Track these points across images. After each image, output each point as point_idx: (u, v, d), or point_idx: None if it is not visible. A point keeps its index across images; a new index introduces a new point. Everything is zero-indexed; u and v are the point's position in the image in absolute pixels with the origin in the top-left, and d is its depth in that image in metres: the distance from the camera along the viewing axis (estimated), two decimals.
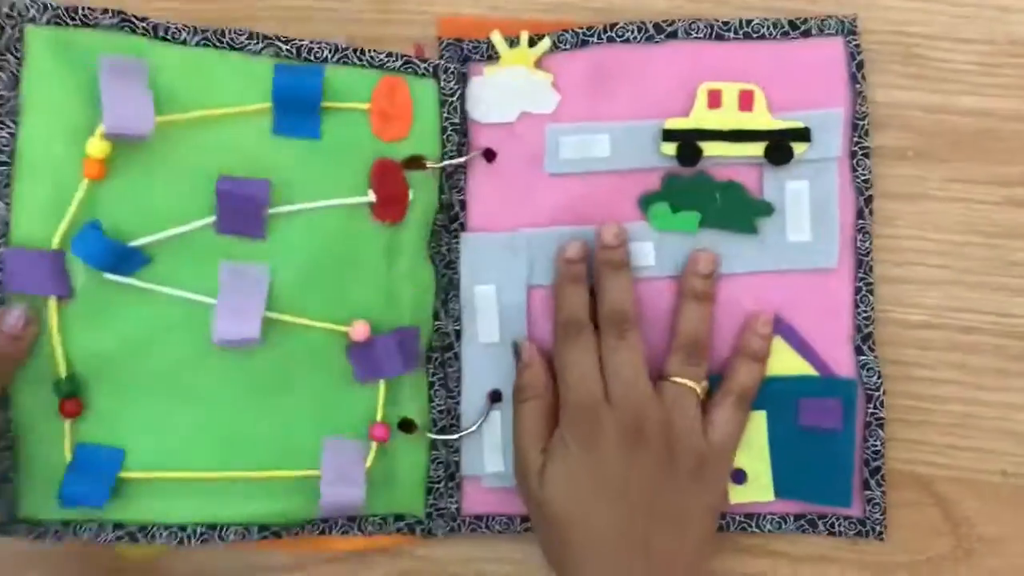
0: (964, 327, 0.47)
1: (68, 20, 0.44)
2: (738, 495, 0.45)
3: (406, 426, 0.46)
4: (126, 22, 0.44)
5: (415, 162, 0.46)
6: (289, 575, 0.48)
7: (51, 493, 0.44)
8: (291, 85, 0.44)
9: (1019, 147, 0.47)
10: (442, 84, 0.46)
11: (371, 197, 0.45)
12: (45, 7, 0.44)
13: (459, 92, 0.46)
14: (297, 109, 0.45)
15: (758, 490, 0.45)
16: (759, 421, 0.45)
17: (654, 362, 0.45)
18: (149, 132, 0.43)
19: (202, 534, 0.45)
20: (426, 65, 0.47)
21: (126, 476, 0.44)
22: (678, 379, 0.44)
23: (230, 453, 0.45)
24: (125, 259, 0.43)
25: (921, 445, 0.47)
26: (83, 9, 0.44)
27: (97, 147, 0.43)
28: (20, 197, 0.43)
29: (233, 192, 0.44)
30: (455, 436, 0.46)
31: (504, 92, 0.46)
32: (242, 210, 0.44)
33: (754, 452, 0.45)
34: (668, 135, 0.45)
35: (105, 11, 0.44)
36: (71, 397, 0.44)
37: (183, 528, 0.45)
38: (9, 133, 0.43)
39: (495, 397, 0.47)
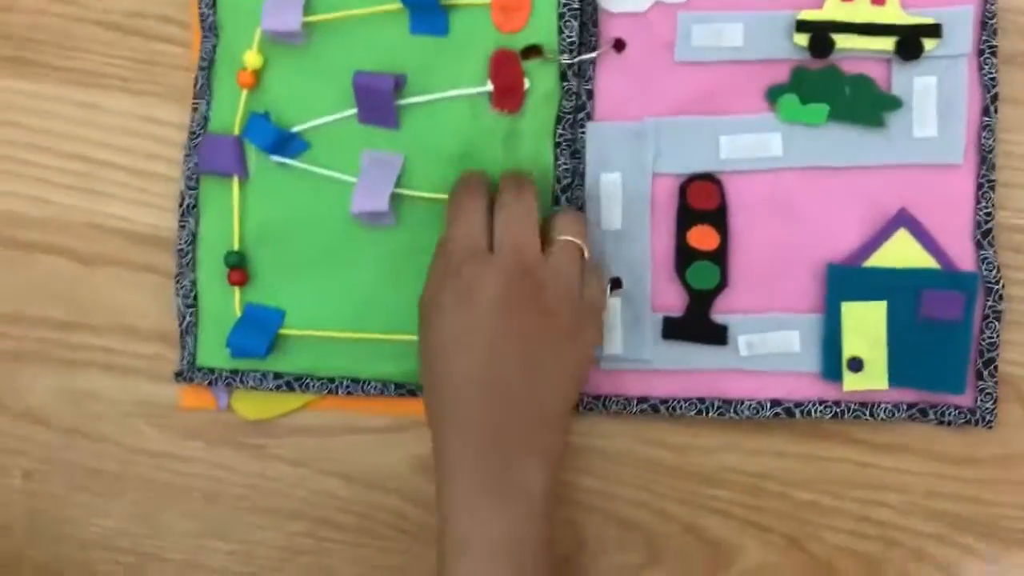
0: None
1: None
2: (853, 383, 0.47)
3: None
4: None
5: (533, 51, 0.48)
6: (392, 435, 0.51)
7: (224, 345, 0.50)
8: None
9: None
10: None
11: (489, 87, 0.48)
12: None
13: None
14: (423, 9, 0.48)
15: (873, 378, 0.47)
16: (879, 311, 0.46)
17: (788, 253, 0.47)
18: (297, 30, 0.48)
19: (347, 386, 0.50)
20: None
21: (285, 333, 0.50)
22: (564, 236, 0.44)
23: (369, 317, 0.50)
24: (287, 143, 0.50)
25: (1011, 345, 0.48)
26: None
27: (252, 59, 0.49)
28: (216, 94, 0.50)
29: (366, 85, 0.48)
30: None
31: None
32: (376, 102, 0.48)
33: (872, 341, 0.46)
34: (801, 26, 0.46)
35: None
36: (237, 268, 0.50)
37: (332, 380, 0.50)
38: (212, 45, 0.51)
39: (615, 284, 0.48)
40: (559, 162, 0.48)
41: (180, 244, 0.50)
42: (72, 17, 0.52)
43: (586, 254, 0.45)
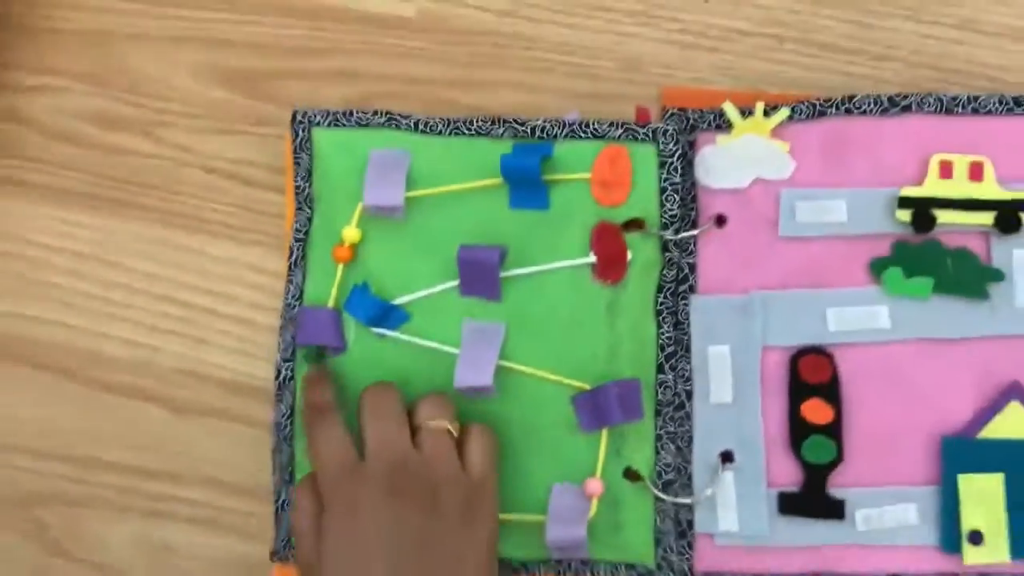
0: None
1: (345, 122, 0.51)
2: (974, 556, 0.46)
3: (631, 475, 0.47)
4: (392, 120, 0.50)
5: (634, 224, 0.48)
6: None
7: None
8: (515, 166, 0.48)
9: None
10: (661, 147, 0.48)
11: (592, 258, 0.48)
12: (327, 113, 0.51)
13: (679, 154, 0.48)
14: (525, 185, 0.49)
15: (995, 551, 0.46)
16: (996, 483, 0.46)
17: (902, 425, 0.47)
18: (400, 205, 0.49)
19: None
20: (645, 131, 0.49)
21: None
22: (431, 422, 0.45)
23: None
24: (388, 315, 0.49)
25: None
26: (357, 112, 0.51)
27: (351, 234, 0.49)
28: (312, 267, 0.50)
29: (471, 259, 0.48)
30: (689, 500, 0.47)
31: (738, 160, 0.48)
32: (479, 274, 0.48)
33: (991, 513, 0.46)
34: (903, 202, 0.47)
35: (375, 112, 0.51)
36: None
37: None
38: (307, 217, 0.51)
39: (727, 457, 0.47)
40: (662, 331, 0.48)
41: (277, 418, 0.49)
42: (179, 162, 0.53)
43: (454, 433, 0.45)
